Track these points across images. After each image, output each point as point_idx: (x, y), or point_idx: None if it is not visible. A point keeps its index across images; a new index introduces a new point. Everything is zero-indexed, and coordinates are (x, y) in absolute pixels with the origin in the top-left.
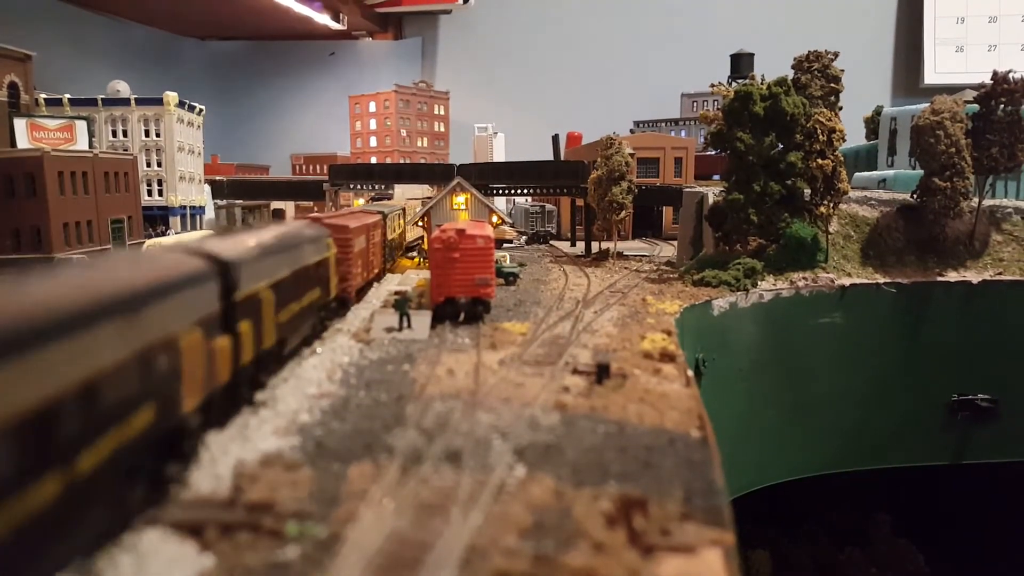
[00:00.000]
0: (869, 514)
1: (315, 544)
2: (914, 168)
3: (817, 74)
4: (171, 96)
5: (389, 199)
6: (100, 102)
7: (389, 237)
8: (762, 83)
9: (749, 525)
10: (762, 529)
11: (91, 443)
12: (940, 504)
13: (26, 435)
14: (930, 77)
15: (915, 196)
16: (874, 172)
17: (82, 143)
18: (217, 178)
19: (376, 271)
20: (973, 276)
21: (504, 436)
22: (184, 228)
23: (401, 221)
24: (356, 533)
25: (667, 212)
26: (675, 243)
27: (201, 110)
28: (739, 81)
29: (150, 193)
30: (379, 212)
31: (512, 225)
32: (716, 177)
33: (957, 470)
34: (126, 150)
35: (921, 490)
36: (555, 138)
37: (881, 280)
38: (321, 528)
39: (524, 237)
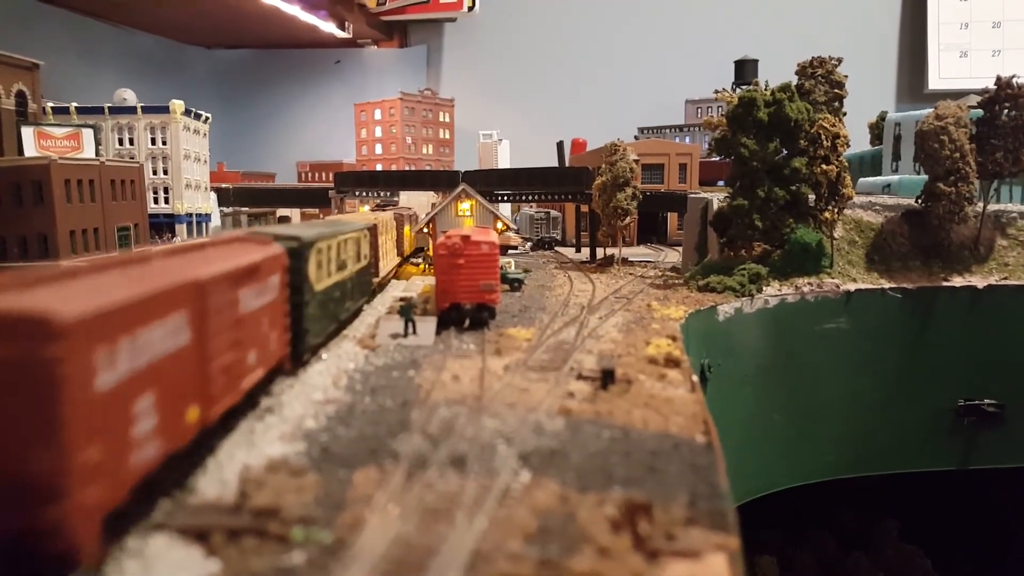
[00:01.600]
0: (876, 519)
1: (320, 549)
2: (918, 173)
3: (821, 80)
4: (177, 104)
5: (395, 205)
6: (107, 110)
7: (321, 285)
8: (766, 89)
9: (755, 530)
10: (768, 534)
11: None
12: (948, 509)
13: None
14: (934, 82)
15: (920, 201)
16: (879, 177)
17: (89, 151)
18: (223, 185)
19: (260, 372)
20: (978, 281)
21: (509, 441)
22: (190, 235)
23: (365, 247)
24: (361, 538)
25: (672, 218)
26: (680, 249)
27: (207, 118)
28: (743, 87)
29: (156, 201)
30: (283, 238)
31: (517, 231)
32: (720, 183)
33: (965, 475)
34: (132, 158)
35: (929, 495)
36: (560, 144)
37: (886, 285)
38: (326, 533)
39: (529, 243)
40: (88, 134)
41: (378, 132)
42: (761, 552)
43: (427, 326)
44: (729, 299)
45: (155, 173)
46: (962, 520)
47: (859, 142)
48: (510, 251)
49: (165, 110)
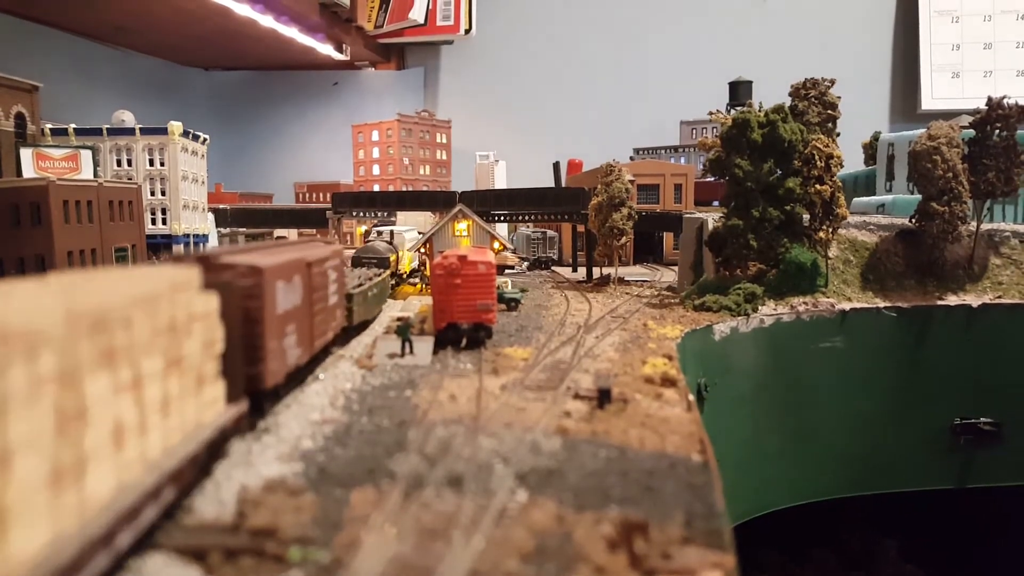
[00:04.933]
0: (876, 539)
1: (318, 569)
2: (912, 193)
3: (814, 101)
4: (175, 126)
5: (392, 224)
6: (105, 132)
7: None
8: (760, 110)
9: (755, 550)
10: (768, 554)
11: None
12: (947, 528)
13: None
14: (927, 103)
15: (914, 221)
16: (873, 197)
17: (87, 172)
18: (221, 206)
19: None
20: (973, 299)
21: (506, 461)
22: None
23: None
24: (359, 558)
25: (667, 238)
26: (676, 268)
27: (205, 139)
28: (737, 108)
29: (154, 222)
30: None
31: (514, 251)
32: (715, 203)
33: (964, 493)
34: (130, 179)
35: (928, 514)
36: (556, 165)
37: (881, 304)
38: (324, 553)
39: (526, 263)
40: (86, 155)
41: (376, 153)
42: (761, 572)
43: (424, 346)
44: (725, 318)
45: (153, 194)
46: (961, 539)
47: (853, 162)
48: (507, 271)
49: (163, 131)
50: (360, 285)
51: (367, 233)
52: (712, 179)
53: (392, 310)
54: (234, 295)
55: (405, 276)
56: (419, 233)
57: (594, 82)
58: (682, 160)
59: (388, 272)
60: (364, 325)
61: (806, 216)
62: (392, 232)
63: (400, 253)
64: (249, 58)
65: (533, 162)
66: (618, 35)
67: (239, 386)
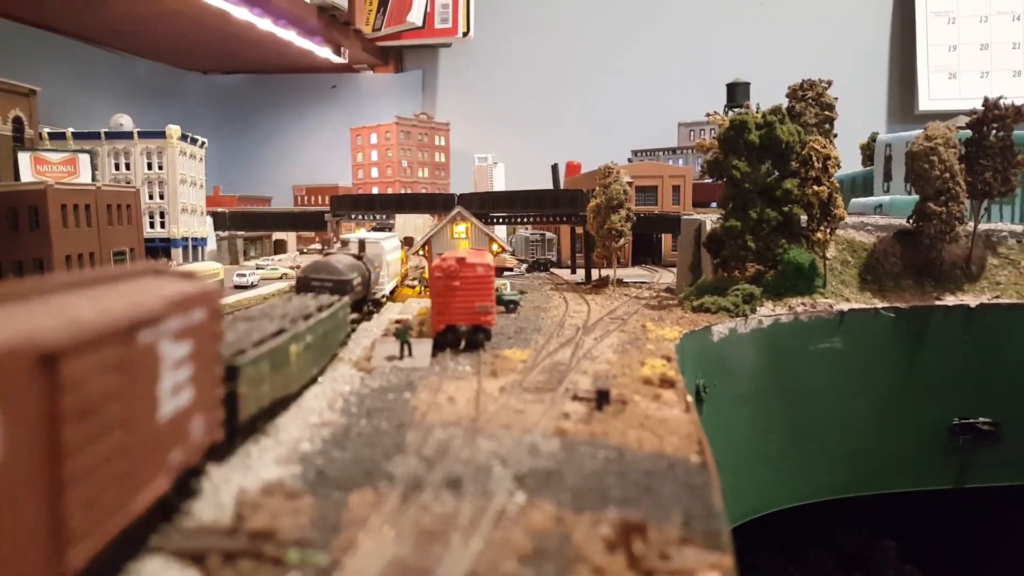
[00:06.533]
0: (875, 539)
1: (316, 571)
2: (910, 194)
3: (811, 102)
4: (173, 129)
5: (391, 228)
6: (103, 135)
7: None
8: (757, 112)
9: (754, 551)
10: (768, 555)
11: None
12: (946, 528)
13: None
14: (924, 104)
15: (911, 221)
16: (870, 198)
17: (85, 176)
18: (219, 210)
19: None
20: (970, 299)
21: (504, 463)
22: (186, 260)
23: None
24: (357, 560)
25: (666, 239)
26: (674, 270)
27: (203, 143)
28: (735, 110)
29: (152, 225)
30: None
31: (512, 253)
32: (713, 204)
33: (963, 493)
34: (129, 183)
35: (927, 514)
36: (554, 167)
37: (879, 305)
38: (322, 555)
39: (524, 265)
40: (84, 159)
41: (374, 156)
42: (760, 573)
43: (423, 348)
44: (723, 319)
45: (151, 197)
46: (960, 539)
47: (851, 163)
48: (505, 273)
49: (161, 135)
50: (278, 333)
51: (322, 245)
52: (710, 181)
53: (391, 312)
54: None
55: (385, 301)
56: (401, 241)
57: (592, 84)
58: (680, 162)
59: (347, 300)
60: (283, 404)
61: (804, 217)
62: (362, 242)
63: (374, 270)
64: (247, 61)
65: (531, 164)
66: (616, 37)
67: None
